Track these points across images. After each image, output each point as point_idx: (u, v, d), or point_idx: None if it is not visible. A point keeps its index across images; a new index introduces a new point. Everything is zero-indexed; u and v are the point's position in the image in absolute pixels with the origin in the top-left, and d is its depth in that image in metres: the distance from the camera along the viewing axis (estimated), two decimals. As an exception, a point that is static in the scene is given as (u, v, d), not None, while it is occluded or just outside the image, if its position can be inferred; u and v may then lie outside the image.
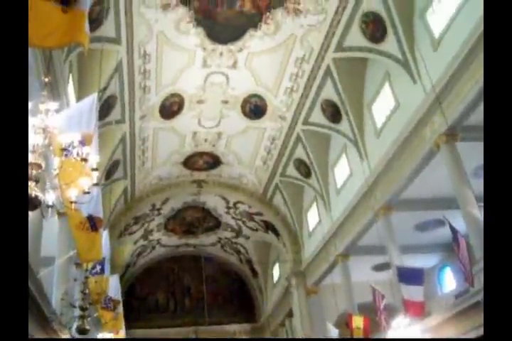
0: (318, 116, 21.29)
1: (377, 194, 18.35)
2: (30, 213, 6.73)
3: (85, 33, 6.64)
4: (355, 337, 17.96)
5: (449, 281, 22.55)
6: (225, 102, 22.02)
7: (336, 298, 22.59)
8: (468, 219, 13.39)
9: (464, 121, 13.88)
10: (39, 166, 6.73)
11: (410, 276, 15.08)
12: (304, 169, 24.36)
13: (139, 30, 17.37)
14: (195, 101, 21.79)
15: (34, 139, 6.75)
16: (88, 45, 6.75)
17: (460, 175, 14.08)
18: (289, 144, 23.78)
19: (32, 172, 6.66)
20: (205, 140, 24.50)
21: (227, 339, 34.05)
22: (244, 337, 34.69)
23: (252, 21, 18.05)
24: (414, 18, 15.46)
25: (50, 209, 7.39)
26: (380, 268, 22.78)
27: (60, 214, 13.10)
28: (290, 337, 29.41)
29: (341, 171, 22.15)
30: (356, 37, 17.23)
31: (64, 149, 7.04)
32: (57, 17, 6.36)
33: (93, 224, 11.10)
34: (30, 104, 6.65)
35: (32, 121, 6.99)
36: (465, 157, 13.98)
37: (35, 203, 6.71)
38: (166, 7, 17.00)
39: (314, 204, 25.57)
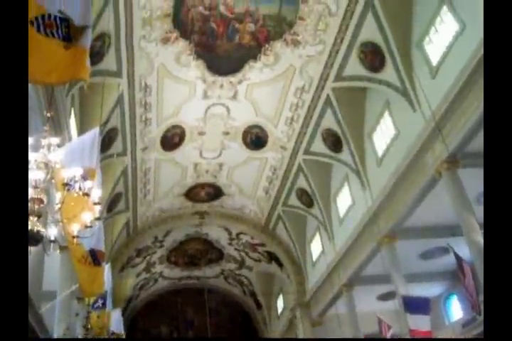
0: (319, 146, 21.36)
1: (381, 222, 18.25)
2: (31, 247, 6.70)
3: (87, 69, 6.69)
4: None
5: (456, 310, 22.25)
6: (226, 133, 22.13)
7: (342, 329, 22.26)
8: (472, 246, 13.27)
9: (465, 147, 13.90)
10: (41, 201, 6.72)
11: (416, 306, 14.91)
12: (306, 199, 24.32)
13: (139, 64, 17.58)
14: (197, 133, 21.90)
15: (36, 174, 6.76)
16: (89, 81, 6.79)
17: (463, 202, 14.03)
18: (290, 174, 23.79)
19: (34, 207, 6.65)
20: (207, 171, 24.53)
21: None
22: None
23: (252, 53, 18.27)
24: (411, 47, 15.62)
25: (52, 243, 7.36)
26: (385, 297, 22.51)
27: (61, 248, 13.01)
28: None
29: (343, 200, 22.10)
30: (355, 66, 17.41)
31: (66, 184, 7.05)
32: (60, 54, 6.40)
33: (95, 258, 11.04)
34: (31, 139, 6.69)
35: (34, 156, 7.02)
36: (467, 183, 13.94)
37: (37, 238, 6.68)
38: (166, 41, 17.24)
39: (317, 234, 25.42)
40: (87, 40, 6.61)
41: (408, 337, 15.25)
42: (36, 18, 6.19)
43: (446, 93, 13.92)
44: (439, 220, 17.07)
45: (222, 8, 16.65)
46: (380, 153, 18.57)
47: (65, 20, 6.40)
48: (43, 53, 6.21)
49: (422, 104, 15.44)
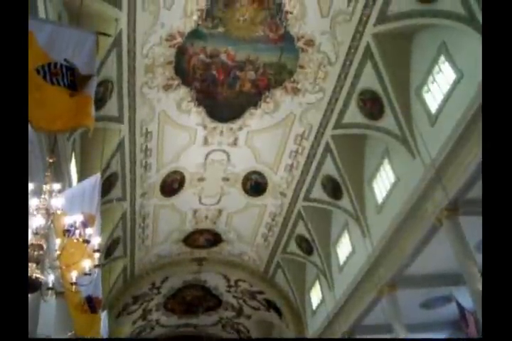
0: (318, 193, 21.36)
1: (381, 271, 18.05)
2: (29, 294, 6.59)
3: (91, 117, 6.74)
4: None
5: (459, 361, 21.73)
6: (226, 179, 22.17)
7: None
8: (475, 294, 13.06)
9: (466, 194, 13.89)
10: (41, 247, 6.67)
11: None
12: (306, 246, 24.13)
13: (141, 110, 17.76)
14: (196, 179, 21.93)
15: (37, 220, 6.73)
16: (93, 128, 6.83)
17: (464, 250, 13.90)
18: (290, 221, 23.69)
19: (33, 253, 6.58)
20: (206, 217, 24.43)
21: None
22: None
23: (252, 100, 18.50)
24: (410, 95, 15.84)
25: (50, 291, 7.26)
26: (386, 347, 22.00)
27: (58, 294, 12.81)
28: None
29: (343, 248, 21.93)
30: (354, 114, 17.61)
31: (66, 230, 7.00)
32: (64, 101, 6.47)
33: (92, 305, 10.88)
34: (32, 185, 6.68)
35: (35, 202, 7.00)
36: (468, 231, 13.83)
37: (36, 285, 6.59)
38: (168, 88, 17.48)
39: (317, 282, 25.08)
40: (92, 88, 6.70)
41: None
42: (42, 67, 6.30)
43: (446, 141, 14.02)
44: (440, 268, 16.89)
45: (223, 56, 16.94)
46: (380, 200, 18.55)
47: (71, 69, 6.50)
48: (48, 101, 6.28)
49: (421, 152, 15.53)
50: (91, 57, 6.69)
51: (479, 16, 12.12)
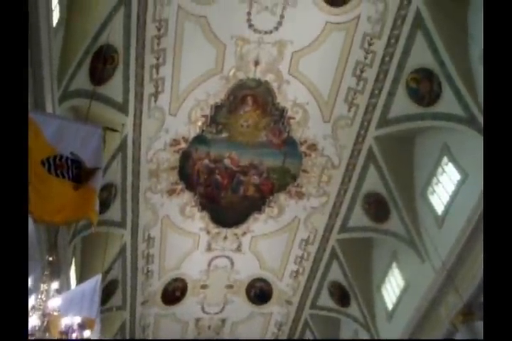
0: (326, 300, 20.62)
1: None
2: None
3: (95, 210, 6.67)
4: None
5: None
6: (230, 287, 21.55)
7: None
8: None
9: (481, 297, 13.31)
10: (34, 350, 6.21)
11: None
12: (315, 358, 22.92)
13: (144, 215, 17.65)
14: (199, 286, 21.32)
15: (32, 321, 6.33)
16: (97, 221, 6.66)
17: (484, 358, 13.09)
18: (296, 330, 22.66)
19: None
20: (209, 327, 23.42)
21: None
22: None
23: (256, 205, 18.45)
24: (415, 197, 15.75)
25: None
26: None
27: None
28: None
29: (353, 359, 20.78)
30: (360, 217, 17.43)
31: (63, 332, 6.59)
32: (68, 194, 6.39)
33: None
34: (30, 283, 6.37)
35: (31, 301, 6.65)
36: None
37: None
38: (171, 192, 17.51)
39: None
40: (97, 181, 6.63)
41: None
42: (48, 159, 6.28)
43: (455, 242, 13.71)
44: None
45: (227, 161, 17.13)
46: (390, 306, 17.81)
47: (77, 162, 6.47)
48: (51, 193, 6.21)
49: (430, 254, 15.14)
50: (97, 150, 6.68)
51: (480, 118, 12.32)
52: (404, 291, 16.91)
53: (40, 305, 6.66)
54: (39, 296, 6.71)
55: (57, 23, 10.97)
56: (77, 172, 6.38)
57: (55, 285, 7.09)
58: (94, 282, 9.24)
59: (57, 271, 12.26)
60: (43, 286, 6.87)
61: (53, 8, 10.27)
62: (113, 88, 13.76)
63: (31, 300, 6.56)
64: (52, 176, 6.21)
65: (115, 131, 7.62)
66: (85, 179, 6.42)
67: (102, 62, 12.61)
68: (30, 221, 6.90)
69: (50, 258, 7.52)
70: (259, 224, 19.05)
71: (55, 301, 6.88)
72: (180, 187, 17.49)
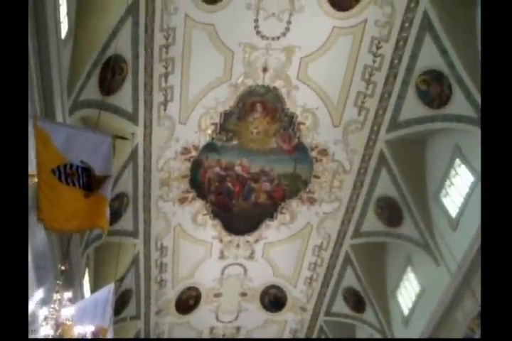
0: (340, 306, 20.46)
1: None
2: None
3: (106, 218, 6.67)
4: None
5: None
6: (243, 295, 21.43)
7: None
8: None
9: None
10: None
11: None
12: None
13: (156, 224, 17.63)
14: (213, 295, 21.21)
15: (44, 330, 6.32)
16: (107, 228, 6.65)
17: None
18: (312, 337, 22.50)
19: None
20: (223, 335, 23.30)
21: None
22: None
23: (268, 212, 18.37)
24: (428, 200, 15.63)
25: None
26: None
27: None
28: None
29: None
30: (373, 222, 17.31)
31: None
32: (79, 202, 6.40)
33: None
34: (42, 293, 6.38)
35: (44, 311, 6.64)
36: None
37: None
38: (183, 201, 17.48)
39: None
40: (108, 189, 6.62)
41: None
42: (58, 167, 6.28)
43: (470, 245, 13.55)
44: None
45: (238, 169, 17.08)
46: (405, 311, 17.63)
47: (87, 170, 6.47)
48: (62, 201, 6.22)
49: (445, 258, 14.99)
50: (107, 158, 6.67)
51: (491, 118, 12.21)
52: (419, 296, 16.74)
53: (53, 314, 6.63)
54: (52, 305, 6.68)
55: (66, 35, 11.03)
56: (88, 181, 6.38)
57: (68, 294, 7.05)
58: (107, 291, 9.21)
59: (70, 280, 12.27)
60: (56, 296, 6.84)
61: (62, 20, 10.32)
62: (122, 98, 13.80)
63: (44, 311, 6.54)
64: (62, 184, 6.22)
65: (125, 138, 7.59)
66: (96, 187, 6.42)
67: (111, 73, 12.64)
68: (42, 230, 6.93)
69: (63, 268, 7.51)
70: (271, 231, 18.96)
71: (68, 310, 6.86)
72: (191, 195, 17.46)
